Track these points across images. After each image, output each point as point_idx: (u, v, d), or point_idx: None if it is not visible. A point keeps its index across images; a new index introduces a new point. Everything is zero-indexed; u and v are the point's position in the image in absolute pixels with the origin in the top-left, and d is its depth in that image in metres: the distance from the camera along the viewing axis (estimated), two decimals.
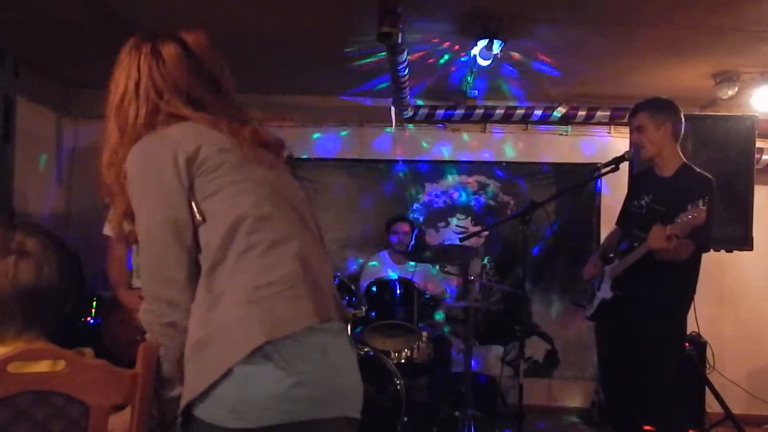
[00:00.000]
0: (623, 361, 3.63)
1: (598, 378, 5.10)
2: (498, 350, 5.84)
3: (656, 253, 3.31)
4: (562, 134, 6.12)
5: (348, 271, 5.91)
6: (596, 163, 4.11)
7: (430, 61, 4.94)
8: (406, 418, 4.30)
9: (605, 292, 3.75)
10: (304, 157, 6.15)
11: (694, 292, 3.73)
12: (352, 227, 6.11)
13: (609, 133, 5.99)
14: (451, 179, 6.15)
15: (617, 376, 3.75)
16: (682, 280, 3.59)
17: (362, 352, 4.24)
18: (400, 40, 3.70)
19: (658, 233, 3.25)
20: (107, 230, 3.71)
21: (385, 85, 5.33)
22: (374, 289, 4.55)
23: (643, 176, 3.83)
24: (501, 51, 4.19)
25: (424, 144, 6.23)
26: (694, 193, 3.20)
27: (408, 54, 4.21)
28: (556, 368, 5.95)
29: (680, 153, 3.62)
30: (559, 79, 5.26)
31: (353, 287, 4.58)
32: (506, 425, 4.88)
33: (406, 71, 4.47)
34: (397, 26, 3.55)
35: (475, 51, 4.10)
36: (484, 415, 4.67)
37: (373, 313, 4.43)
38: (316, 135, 6.25)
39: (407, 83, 4.77)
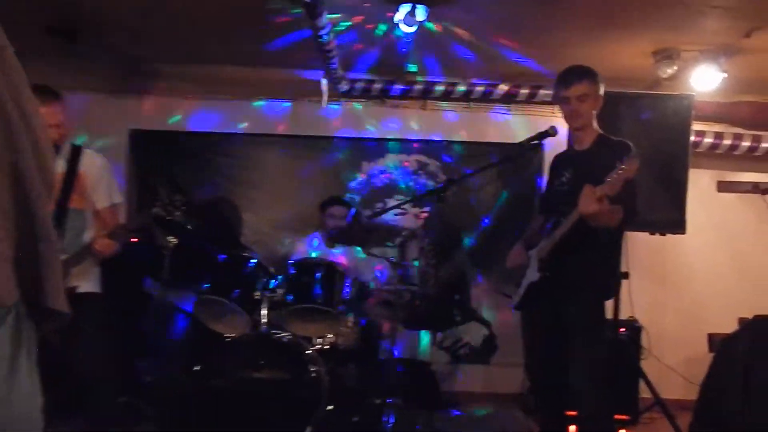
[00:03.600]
0: (550, 346, 3.54)
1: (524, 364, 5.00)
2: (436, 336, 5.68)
3: (588, 219, 3.14)
4: (505, 113, 5.97)
5: (281, 253, 5.69)
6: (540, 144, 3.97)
7: (365, 30, 4.70)
8: (330, 407, 4.12)
9: (532, 275, 3.61)
10: (236, 132, 5.96)
11: (620, 276, 3.60)
12: (286, 207, 5.91)
13: (553, 113, 5.81)
14: (391, 158, 5.97)
15: (544, 361, 3.66)
16: (608, 262, 3.53)
17: (277, 338, 4.06)
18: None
19: (588, 195, 3.09)
20: None
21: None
22: (293, 270, 4.33)
23: (560, 157, 3.74)
24: (432, 20, 4.00)
25: (363, 121, 6.03)
26: (614, 160, 3.07)
27: (329, 19, 3.99)
28: (495, 354, 5.79)
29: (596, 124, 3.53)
30: (497, 55, 5.07)
31: (271, 270, 4.35)
32: (437, 413, 4.75)
33: (330, 38, 4.24)
34: None
35: (399, 17, 3.89)
36: (416, 403, 4.53)
37: (290, 296, 4.21)
38: (249, 108, 6.02)
39: (334, 53, 4.55)
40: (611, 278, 3.59)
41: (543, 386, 3.74)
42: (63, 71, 5.55)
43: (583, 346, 3.37)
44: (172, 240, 4.39)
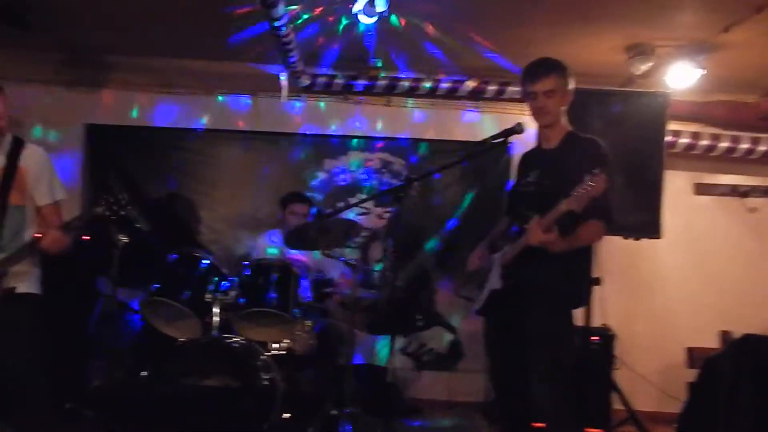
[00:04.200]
0: (515, 354, 3.33)
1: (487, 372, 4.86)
2: (398, 341, 5.50)
3: (550, 245, 3.03)
4: (472, 110, 5.81)
5: (239, 253, 5.47)
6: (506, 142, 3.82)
7: (326, 22, 4.50)
8: (285, 417, 3.92)
9: (495, 282, 3.44)
10: (195, 127, 5.78)
11: (591, 281, 3.43)
12: (245, 205, 5.73)
13: (522, 110, 5.65)
14: (354, 156, 5.80)
15: (509, 370, 3.48)
16: (578, 267, 3.33)
17: (227, 343, 3.87)
18: None
19: (534, 227, 3.01)
20: None
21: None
22: (247, 272, 4.14)
23: (528, 155, 3.57)
24: (395, 13, 3.82)
25: (326, 117, 5.85)
26: (583, 159, 2.94)
27: (286, 10, 3.79)
28: (460, 360, 5.64)
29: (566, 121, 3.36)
30: (463, 50, 4.89)
31: (224, 271, 4.17)
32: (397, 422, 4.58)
33: (288, 31, 4.05)
34: None
35: (357, 7, 3.71)
36: (375, 412, 4.35)
37: (243, 299, 4.02)
38: (208, 103, 5.83)
39: (293, 46, 4.35)
40: (580, 286, 3.41)
41: (508, 395, 3.56)
42: (14, 62, 5.36)
43: (548, 357, 3.20)
44: (123, 238, 4.30)
